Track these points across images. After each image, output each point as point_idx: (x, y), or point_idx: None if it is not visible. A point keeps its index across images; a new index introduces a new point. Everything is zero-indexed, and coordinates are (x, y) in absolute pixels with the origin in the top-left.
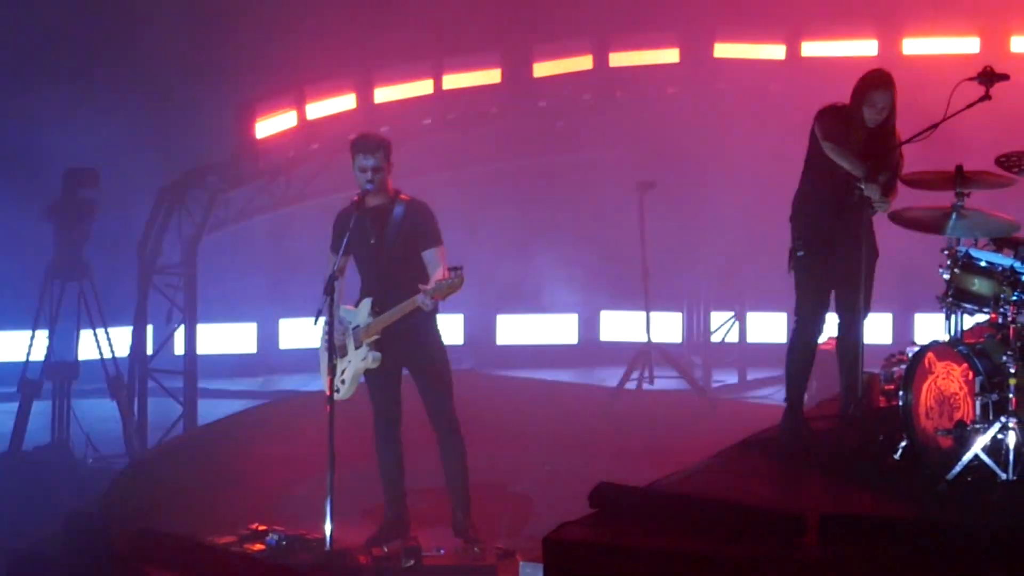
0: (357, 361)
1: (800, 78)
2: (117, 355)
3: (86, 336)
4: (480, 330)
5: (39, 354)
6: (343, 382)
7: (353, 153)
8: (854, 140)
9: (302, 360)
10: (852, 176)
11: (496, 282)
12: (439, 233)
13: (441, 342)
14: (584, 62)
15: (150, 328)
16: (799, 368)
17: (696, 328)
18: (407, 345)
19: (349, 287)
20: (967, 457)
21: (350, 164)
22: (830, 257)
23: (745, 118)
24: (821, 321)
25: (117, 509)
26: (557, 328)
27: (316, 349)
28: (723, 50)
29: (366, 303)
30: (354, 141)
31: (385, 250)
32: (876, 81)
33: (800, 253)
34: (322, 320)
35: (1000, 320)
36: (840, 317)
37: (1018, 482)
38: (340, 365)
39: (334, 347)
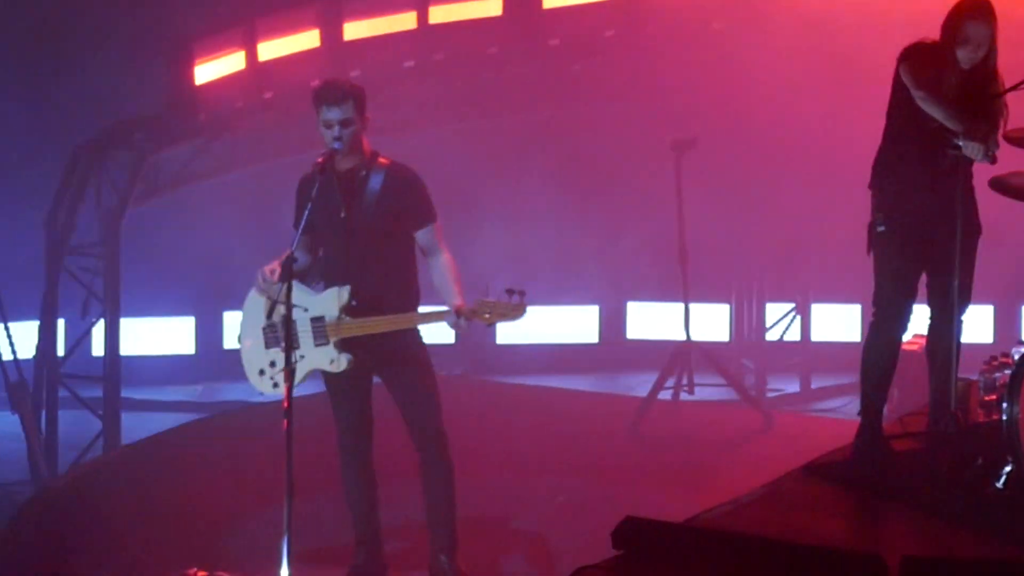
0: (317, 360)
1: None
2: (19, 356)
3: None
4: (475, 326)
5: None
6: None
7: (316, 104)
8: (947, 87)
9: None
10: (947, 132)
11: (495, 267)
12: (432, 206)
13: (422, 342)
14: None
15: (61, 323)
16: (878, 373)
17: (747, 324)
18: (382, 345)
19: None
20: None
21: (311, 116)
22: (919, 234)
23: (808, 57)
24: (906, 314)
25: (17, 550)
26: (573, 324)
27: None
28: None
29: (337, 292)
30: (316, 90)
31: (359, 225)
32: (972, 10)
33: (881, 228)
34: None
35: None
36: (931, 309)
37: None
38: (283, 358)
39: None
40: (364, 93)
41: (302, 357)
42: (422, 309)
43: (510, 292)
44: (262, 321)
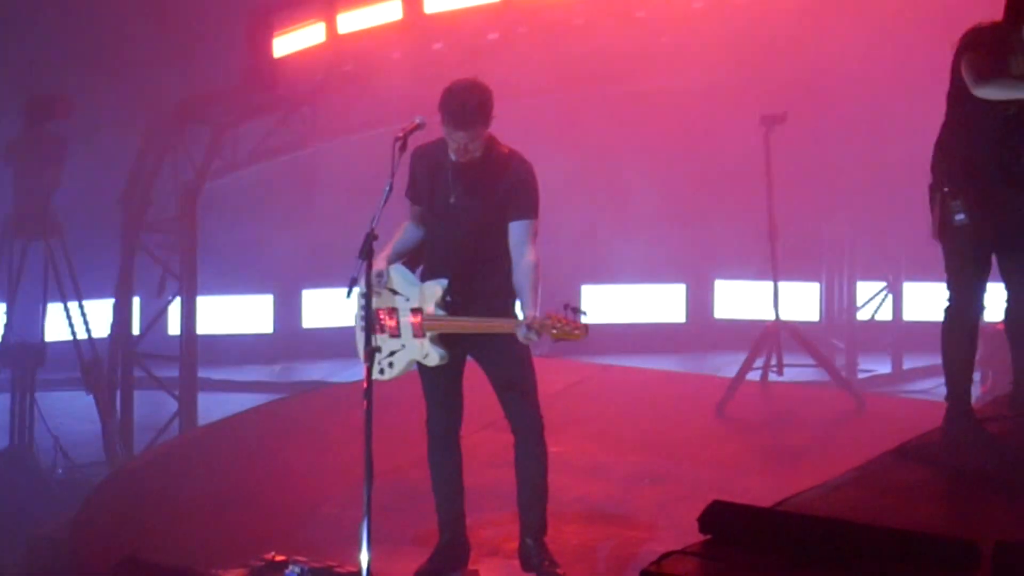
0: (414, 351)
1: None
2: (94, 335)
3: (54, 311)
4: (559, 305)
5: None
6: (391, 364)
7: (442, 117)
8: (1015, 69)
9: (331, 343)
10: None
11: (579, 244)
12: (536, 203)
13: (519, 319)
14: None
15: (136, 301)
16: (960, 358)
17: (838, 303)
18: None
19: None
20: None
21: (391, 90)
22: (992, 216)
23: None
24: (983, 296)
25: (93, 533)
26: (658, 303)
27: (351, 328)
28: None
29: (436, 286)
30: (444, 105)
31: (466, 214)
32: None
33: (959, 217)
34: (356, 292)
35: None
36: (1009, 291)
37: None
38: (387, 346)
39: (371, 323)
40: (491, 104)
41: (402, 347)
42: None
43: (575, 311)
44: (374, 306)
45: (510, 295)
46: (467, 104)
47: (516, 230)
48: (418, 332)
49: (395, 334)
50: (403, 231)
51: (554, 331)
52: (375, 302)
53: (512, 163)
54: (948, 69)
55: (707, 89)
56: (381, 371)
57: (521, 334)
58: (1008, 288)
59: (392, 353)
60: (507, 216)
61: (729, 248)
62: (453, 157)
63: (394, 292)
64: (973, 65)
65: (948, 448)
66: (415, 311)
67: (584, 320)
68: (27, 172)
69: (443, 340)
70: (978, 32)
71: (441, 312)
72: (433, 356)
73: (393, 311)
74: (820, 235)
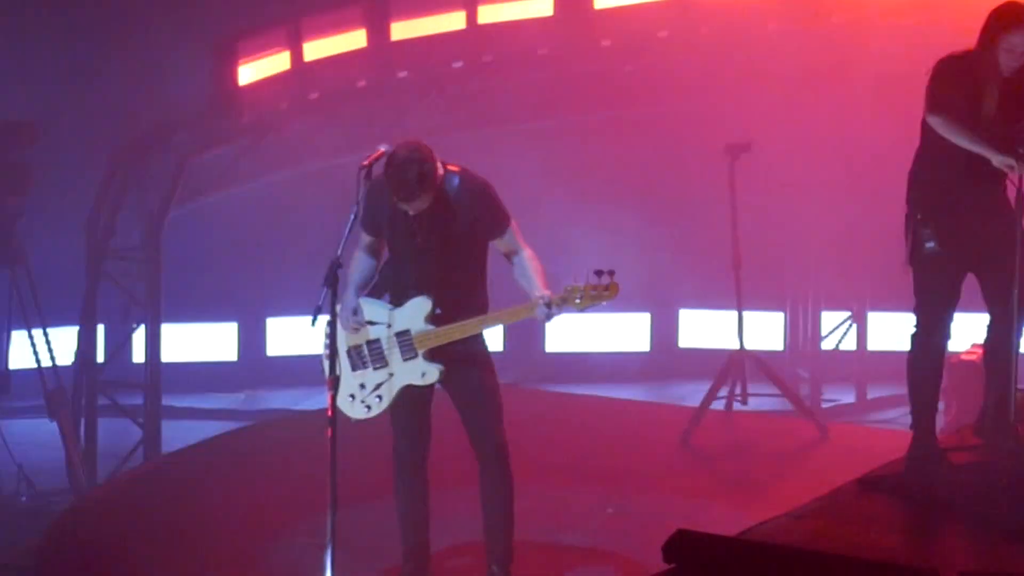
0: (407, 375)
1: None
2: (58, 363)
3: (18, 338)
4: (524, 334)
5: None
6: (379, 398)
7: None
8: (988, 96)
9: (296, 370)
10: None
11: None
12: (505, 210)
13: (487, 348)
14: None
15: (101, 328)
16: (927, 385)
17: (802, 332)
18: (445, 350)
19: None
20: None
21: (356, 118)
22: (966, 244)
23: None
24: (950, 323)
25: (57, 561)
26: (623, 331)
27: (317, 356)
28: None
29: (420, 303)
30: (389, 182)
31: (434, 238)
32: (1012, 17)
33: (930, 244)
34: (323, 320)
35: None
36: (991, 316)
37: None
38: (371, 380)
39: (335, 352)
40: (432, 174)
41: (391, 376)
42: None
43: (599, 273)
44: (345, 344)
45: (486, 305)
46: (407, 180)
47: (503, 243)
48: (409, 353)
49: (380, 365)
50: (357, 262)
51: (578, 300)
52: (352, 339)
53: (466, 189)
54: (918, 100)
55: (672, 117)
56: (368, 407)
57: (542, 314)
58: (990, 314)
59: (378, 386)
60: (478, 235)
61: (693, 277)
62: (410, 211)
63: (371, 323)
64: (933, 91)
65: (912, 478)
66: (401, 334)
67: (609, 281)
68: None
69: (435, 357)
70: (950, 60)
71: (431, 327)
72: (432, 372)
73: (374, 342)
74: (784, 264)
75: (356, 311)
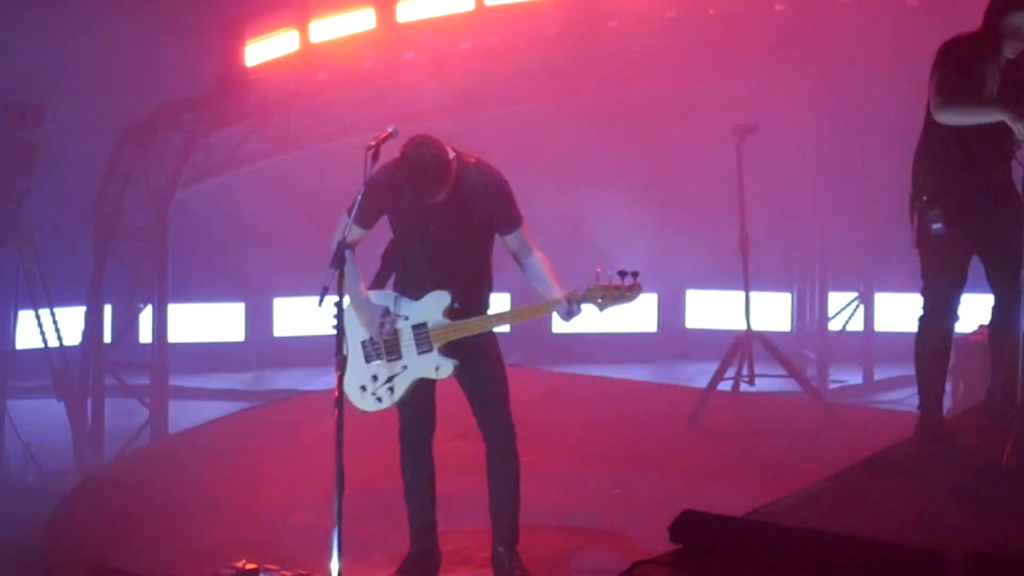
0: (422, 368)
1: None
2: (65, 343)
3: (25, 318)
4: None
5: None
6: (391, 390)
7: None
8: (991, 78)
9: (302, 351)
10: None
11: (551, 252)
12: (518, 209)
13: (494, 333)
14: None
15: (108, 309)
16: (934, 366)
17: (809, 313)
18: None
19: (370, 260)
20: None
21: (364, 99)
22: (973, 225)
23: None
24: (958, 304)
25: (64, 540)
26: (630, 313)
27: (323, 337)
28: None
29: (439, 297)
30: (404, 173)
31: (447, 231)
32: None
33: (937, 226)
34: (329, 301)
35: None
36: (996, 298)
37: None
38: (384, 372)
39: (342, 336)
40: (446, 166)
41: (404, 368)
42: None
43: (622, 274)
44: (360, 335)
45: (489, 299)
46: (425, 176)
47: (513, 241)
48: (424, 346)
49: (394, 357)
50: (349, 261)
51: (600, 300)
52: (365, 333)
53: (481, 181)
54: (924, 80)
55: (680, 99)
56: (379, 399)
57: (563, 311)
58: (995, 296)
59: (391, 378)
60: (492, 232)
61: (701, 258)
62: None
63: (380, 311)
64: (939, 78)
65: (919, 458)
66: (417, 327)
67: (632, 282)
68: None
69: (450, 351)
70: (956, 44)
71: (448, 321)
72: (446, 367)
73: (388, 330)
74: (792, 245)
75: (386, 312)
